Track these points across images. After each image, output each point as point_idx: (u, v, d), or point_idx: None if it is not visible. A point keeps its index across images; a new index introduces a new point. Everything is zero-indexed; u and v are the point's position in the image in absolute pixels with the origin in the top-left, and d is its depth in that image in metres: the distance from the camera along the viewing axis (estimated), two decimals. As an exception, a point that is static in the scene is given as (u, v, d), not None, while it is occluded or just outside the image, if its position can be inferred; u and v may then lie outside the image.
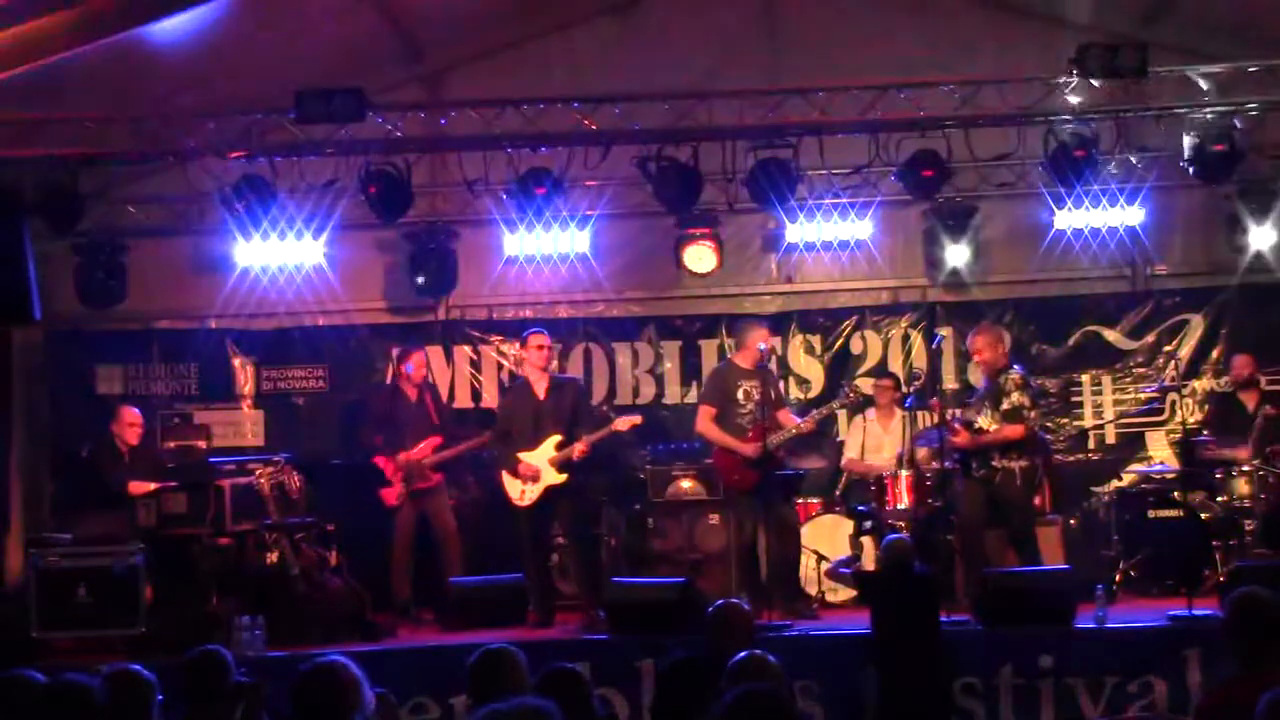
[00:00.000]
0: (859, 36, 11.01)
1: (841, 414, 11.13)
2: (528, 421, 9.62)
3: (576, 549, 9.86)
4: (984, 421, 9.23)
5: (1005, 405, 9.22)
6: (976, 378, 10.25)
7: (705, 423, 9.63)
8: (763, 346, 9.49)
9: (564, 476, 9.50)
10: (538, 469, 9.48)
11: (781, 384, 10.84)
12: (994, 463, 9.18)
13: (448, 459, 10.21)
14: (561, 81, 10.52)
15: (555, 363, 10.30)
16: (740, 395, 9.45)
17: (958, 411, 9.53)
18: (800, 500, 10.16)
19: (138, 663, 4.95)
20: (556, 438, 9.52)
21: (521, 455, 9.53)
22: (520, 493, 9.53)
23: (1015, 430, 9.19)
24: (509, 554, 9.82)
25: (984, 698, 7.90)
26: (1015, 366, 9.55)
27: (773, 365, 9.90)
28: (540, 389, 9.68)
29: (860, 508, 10.08)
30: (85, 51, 8.98)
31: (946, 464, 9.46)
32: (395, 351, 10.87)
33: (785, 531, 9.38)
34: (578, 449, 9.47)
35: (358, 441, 10.62)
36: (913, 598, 7.82)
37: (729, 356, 9.99)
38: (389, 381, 10.91)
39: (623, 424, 9.72)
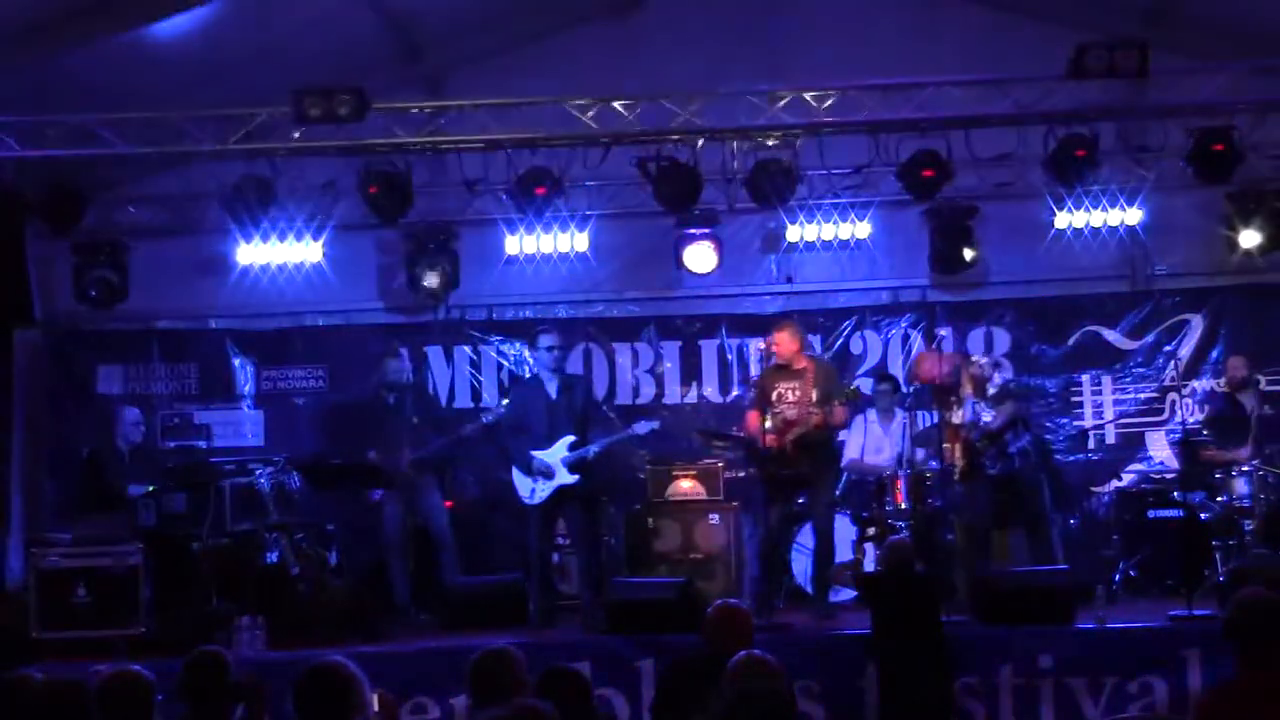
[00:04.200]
0: (859, 36, 11.02)
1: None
2: (541, 419, 9.60)
3: (582, 550, 9.81)
4: (987, 417, 9.25)
5: (993, 390, 9.26)
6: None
7: (750, 423, 9.57)
8: (761, 345, 9.48)
9: (575, 477, 9.50)
10: (551, 467, 9.47)
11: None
12: (1010, 450, 9.18)
13: (424, 459, 10.13)
14: (561, 81, 10.52)
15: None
16: (774, 396, 9.36)
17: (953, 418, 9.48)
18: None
19: (138, 663, 4.95)
20: (570, 438, 9.51)
21: (535, 454, 9.51)
22: (530, 490, 9.52)
23: (1014, 407, 9.32)
24: (509, 554, 9.82)
25: (984, 698, 7.90)
26: (972, 355, 9.67)
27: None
28: (552, 388, 9.67)
29: (863, 514, 10.05)
30: (86, 50, 8.99)
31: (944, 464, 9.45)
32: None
33: (818, 534, 9.35)
34: (593, 451, 9.48)
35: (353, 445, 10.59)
36: (914, 598, 7.82)
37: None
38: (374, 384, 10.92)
39: (642, 428, 9.76)
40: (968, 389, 9.30)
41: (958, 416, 9.32)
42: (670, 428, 11.47)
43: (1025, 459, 9.22)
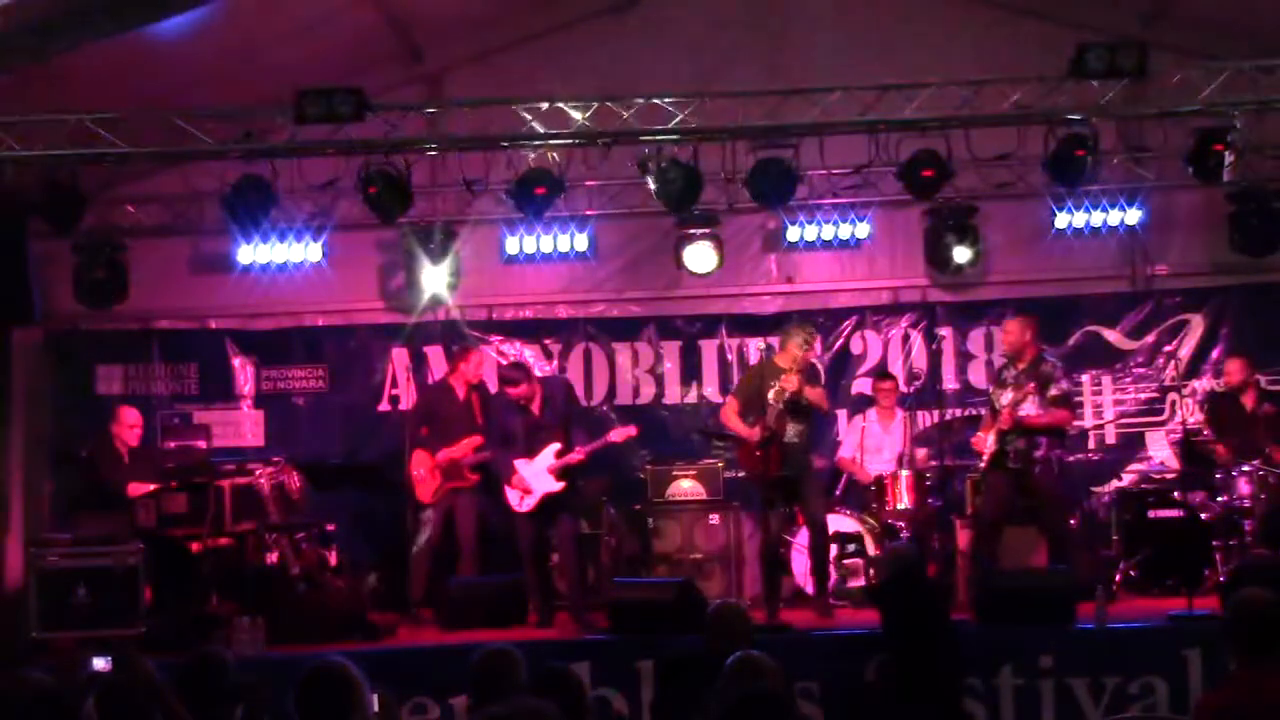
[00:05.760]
0: (859, 36, 11.02)
1: (841, 413, 11.17)
2: (524, 431, 9.56)
3: (566, 554, 9.76)
4: (1030, 409, 9.23)
5: (1054, 391, 9.26)
6: (979, 375, 10.24)
7: (725, 413, 9.64)
8: (762, 346, 9.47)
9: (562, 484, 9.48)
10: (533, 482, 9.43)
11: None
12: (1036, 454, 9.17)
13: (485, 460, 10.12)
14: (561, 81, 10.51)
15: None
16: (771, 394, 9.35)
17: (1000, 393, 9.42)
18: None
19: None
20: (556, 445, 9.48)
21: (521, 463, 9.48)
22: (520, 499, 9.51)
23: (1066, 416, 9.33)
24: (509, 555, 9.81)
25: (984, 698, 7.90)
26: (1049, 355, 9.58)
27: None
28: (534, 405, 9.62)
29: (843, 530, 9.97)
30: (86, 50, 8.98)
31: (945, 461, 9.44)
32: (455, 348, 10.88)
33: (814, 531, 9.37)
34: (574, 459, 9.45)
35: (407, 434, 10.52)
36: (924, 604, 7.80)
37: (772, 354, 10.01)
38: (442, 378, 10.86)
39: (618, 435, 9.73)
40: (1029, 382, 9.27)
41: (1005, 399, 9.30)
42: (670, 428, 11.49)
43: (1047, 467, 9.21)
